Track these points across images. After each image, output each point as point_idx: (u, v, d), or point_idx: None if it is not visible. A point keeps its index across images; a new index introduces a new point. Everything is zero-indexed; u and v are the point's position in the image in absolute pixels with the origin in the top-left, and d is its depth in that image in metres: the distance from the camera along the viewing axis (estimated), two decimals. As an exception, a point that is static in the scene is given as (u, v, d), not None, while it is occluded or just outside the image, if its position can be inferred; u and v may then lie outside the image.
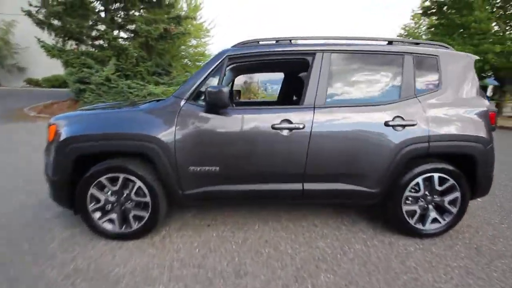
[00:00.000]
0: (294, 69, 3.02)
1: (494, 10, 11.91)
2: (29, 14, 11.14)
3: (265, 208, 2.72)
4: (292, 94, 3.40)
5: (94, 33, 11.96)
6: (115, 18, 12.20)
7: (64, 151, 2.00)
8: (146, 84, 10.62)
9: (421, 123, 2.04)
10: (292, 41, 2.16)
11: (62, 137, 2.02)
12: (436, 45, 2.28)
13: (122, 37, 12.48)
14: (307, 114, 2.03)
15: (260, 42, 2.16)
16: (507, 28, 12.10)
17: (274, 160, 2.04)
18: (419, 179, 2.14)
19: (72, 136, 2.01)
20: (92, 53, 11.26)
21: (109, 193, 2.07)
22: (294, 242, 2.17)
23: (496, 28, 12.10)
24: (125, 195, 2.07)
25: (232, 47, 2.15)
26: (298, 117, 2.02)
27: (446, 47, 2.27)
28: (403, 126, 2.04)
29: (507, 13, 11.85)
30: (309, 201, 2.20)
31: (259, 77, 16.42)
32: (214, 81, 2.17)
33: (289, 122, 2.01)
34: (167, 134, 1.97)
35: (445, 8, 12.49)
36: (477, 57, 2.29)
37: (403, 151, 2.04)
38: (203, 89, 2.06)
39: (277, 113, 2.04)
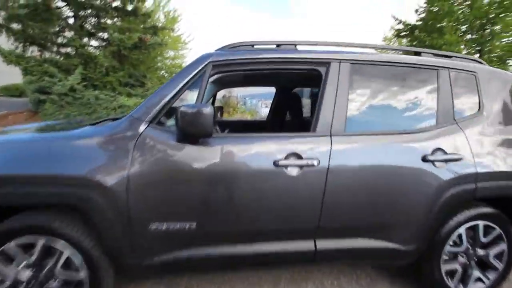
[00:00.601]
0: (299, 83, 2.47)
1: (462, 34, 12.75)
2: (-16, 16, 9.99)
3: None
4: (286, 113, 2.85)
5: (60, 40, 11.00)
6: (85, 25, 11.32)
7: None
8: (116, 95, 9.71)
9: (467, 158, 1.57)
10: (298, 47, 1.63)
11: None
12: (470, 59, 1.87)
13: (92, 45, 11.60)
14: (322, 145, 1.46)
15: (256, 46, 1.61)
16: (473, 52, 12.96)
17: (276, 210, 1.44)
18: (462, 229, 1.64)
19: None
20: (56, 61, 10.22)
21: (20, 266, 1.33)
22: (301, 322, 1.55)
23: (464, 52, 12.91)
24: (47, 269, 1.33)
25: (218, 50, 1.57)
26: (309, 149, 1.45)
27: (481, 63, 1.86)
28: (446, 161, 1.54)
29: (472, 37, 12.73)
30: (323, 263, 1.61)
31: (238, 91, 15.88)
32: (191, 96, 1.56)
33: (298, 156, 1.43)
34: (115, 175, 1.30)
35: (416, 31, 13.14)
36: (515, 76, 1.91)
37: (446, 195, 1.53)
38: (176, 105, 1.44)
39: (280, 144, 1.46)
